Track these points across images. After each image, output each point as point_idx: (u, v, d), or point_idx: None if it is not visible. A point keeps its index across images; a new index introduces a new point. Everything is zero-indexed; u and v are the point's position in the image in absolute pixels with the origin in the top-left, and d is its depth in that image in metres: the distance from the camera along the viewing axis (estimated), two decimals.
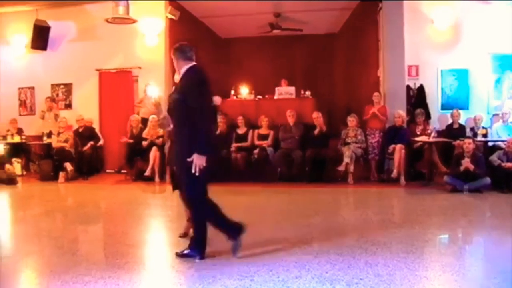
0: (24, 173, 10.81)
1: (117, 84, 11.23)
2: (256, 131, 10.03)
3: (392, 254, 4.37)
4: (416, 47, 10.12)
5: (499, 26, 9.95)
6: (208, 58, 13.21)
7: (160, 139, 9.51)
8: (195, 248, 4.23)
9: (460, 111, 9.80)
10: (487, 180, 7.82)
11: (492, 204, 7.21)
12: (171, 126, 4.47)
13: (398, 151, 8.85)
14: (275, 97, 11.02)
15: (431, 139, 8.95)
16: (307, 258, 4.20)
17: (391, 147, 9.05)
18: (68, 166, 9.95)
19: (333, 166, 9.24)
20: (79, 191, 9.08)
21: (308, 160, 9.23)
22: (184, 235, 4.86)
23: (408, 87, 10.15)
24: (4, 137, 10.98)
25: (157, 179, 9.56)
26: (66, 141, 10.27)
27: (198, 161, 4.01)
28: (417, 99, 10.15)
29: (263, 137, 9.89)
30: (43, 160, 10.45)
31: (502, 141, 8.89)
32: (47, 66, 11.75)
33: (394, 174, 8.82)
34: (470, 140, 8.12)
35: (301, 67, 14.80)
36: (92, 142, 10.64)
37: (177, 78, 10.36)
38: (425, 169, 9.06)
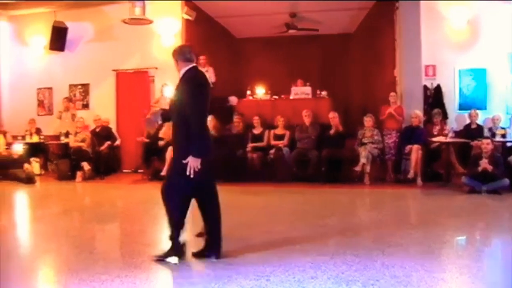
0: (42, 172, 10.91)
1: (133, 85, 11.31)
2: (272, 131, 10.02)
3: (409, 255, 4.34)
4: (433, 46, 10.02)
5: None
6: (224, 58, 13.27)
7: None
8: (211, 248, 4.25)
9: (478, 111, 9.67)
10: (506, 181, 7.70)
11: (511, 206, 7.10)
12: (159, 122, 4.51)
13: (415, 151, 8.78)
14: (291, 97, 11.00)
15: (448, 140, 8.86)
16: (323, 258, 4.19)
17: (407, 148, 8.98)
18: (86, 165, 10.06)
19: (350, 166, 9.20)
20: (96, 191, 9.17)
21: (324, 160, 9.20)
22: (200, 234, 4.86)
23: (425, 87, 10.07)
24: (23, 137, 11.14)
25: None
26: (83, 140, 10.37)
27: (192, 163, 4.01)
28: (434, 99, 10.05)
29: (279, 137, 9.88)
30: (60, 160, 10.54)
31: None
32: (65, 67, 11.91)
33: (411, 174, 8.76)
34: (489, 141, 8.01)
35: (317, 67, 14.73)
36: (109, 142, 10.74)
37: None
38: (442, 170, 8.97)
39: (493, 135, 9.12)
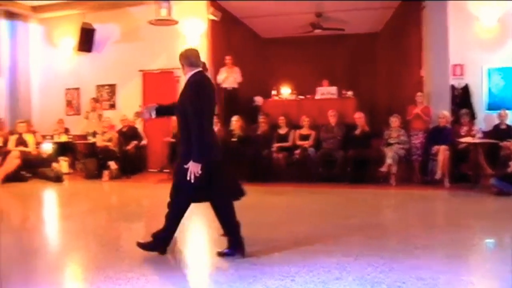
0: (70, 171, 11.08)
1: (159, 85, 11.41)
2: (297, 131, 9.99)
3: (436, 258, 4.27)
4: (461, 45, 9.85)
5: None
6: (250, 59, 13.29)
7: None
8: (235, 247, 4.26)
9: (508, 111, 9.49)
10: None
11: None
12: (153, 116, 4.58)
13: (442, 152, 8.64)
14: (317, 97, 10.98)
15: (476, 140, 8.71)
16: (347, 259, 4.16)
17: (434, 148, 8.85)
18: (112, 164, 10.19)
19: (375, 167, 9.11)
20: (122, 190, 9.29)
21: (349, 161, 9.15)
22: (225, 234, 4.89)
23: (452, 86, 9.92)
24: (52, 137, 11.35)
25: None
26: (110, 140, 10.52)
27: (193, 168, 4.03)
28: (461, 99, 9.90)
29: (305, 137, 9.85)
30: (88, 159, 10.69)
31: None
32: (92, 68, 12.12)
33: (438, 175, 8.63)
34: None
35: (343, 67, 14.66)
36: (135, 142, 10.87)
37: (220, 78, 10.55)
38: (470, 171, 8.81)
39: None
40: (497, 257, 4.46)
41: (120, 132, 11.02)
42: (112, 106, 11.97)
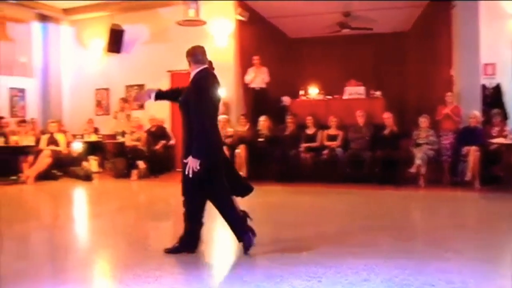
0: (100, 170, 11.23)
1: (187, 85, 11.45)
2: (325, 131, 9.95)
3: (467, 261, 4.19)
4: (493, 44, 9.65)
5: None
6: (277, 59, 13.28)
7: (229, 139, 9.63)
8: (240, 239, 4.33)
9: None
10: None
11: None
12: (152, 99, 4.61)
13: (473, 153, 8.49)
14: (344, 97, 10.90)
15: (508, 141, 8.53)
16: (375, 261, 4.11)
17: (465, 149, 8.69)
18: (141, 164, 10.30)
19: (404, 167, 9.00)
20: (150, 189, 9.39)
21: (378, 161, 9.07)
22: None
23: (483, 86, 9.73)
24: (82, 136, 11.55)
25: None
26: (138, 140, 10.65)
27: (192, 164, 4.05)
28: (493, 98, 9.70)
29: (332, 138, 9.80)
30: (117, 158, 10.84)
31: None
32: (121, 68, 12.29)
33: (468, 176, 8.47)
34: None
35: (371, 67, 14.51)
36: (163, 141, 10.99)
37: (248, 78, 10.59)
38: (502, 173, 8.64)
39: None
40: None
41: (148, 131, 11.14)
42: (141, 106, 12.07)
